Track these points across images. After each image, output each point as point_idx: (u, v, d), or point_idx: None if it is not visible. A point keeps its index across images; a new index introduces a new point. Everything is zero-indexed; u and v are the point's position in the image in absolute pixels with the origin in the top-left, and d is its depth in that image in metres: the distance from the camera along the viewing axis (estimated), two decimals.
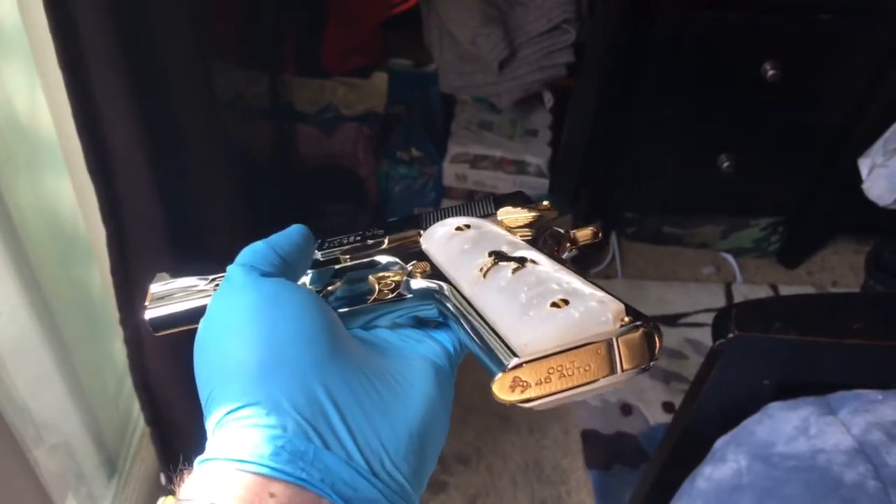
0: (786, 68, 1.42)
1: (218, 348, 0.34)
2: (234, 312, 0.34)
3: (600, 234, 0.45)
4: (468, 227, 0.42)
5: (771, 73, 1.42)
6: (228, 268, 0.38)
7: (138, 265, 0.87)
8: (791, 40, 1.44)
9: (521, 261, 0.37)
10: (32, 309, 0.95)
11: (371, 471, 0.32)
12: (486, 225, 0.42)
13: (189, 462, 0.33)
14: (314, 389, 0.32)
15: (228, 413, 0.32)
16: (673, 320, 1.71)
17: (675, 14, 1.42)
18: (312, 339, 0.33)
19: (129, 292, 0.89)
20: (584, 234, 0.44)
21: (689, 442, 0.96)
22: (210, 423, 0.33)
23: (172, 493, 0.33)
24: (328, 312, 0.36)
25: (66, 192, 1.00)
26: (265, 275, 0.37)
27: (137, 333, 0.94)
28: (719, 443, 0.89)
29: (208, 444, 0.33)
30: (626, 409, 1.56)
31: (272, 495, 0.30)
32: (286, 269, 0.38)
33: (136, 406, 1.29)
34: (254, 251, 0.38)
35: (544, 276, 0.35)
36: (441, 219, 0.44)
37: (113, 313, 1.04)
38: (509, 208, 0.43)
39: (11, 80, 0.89)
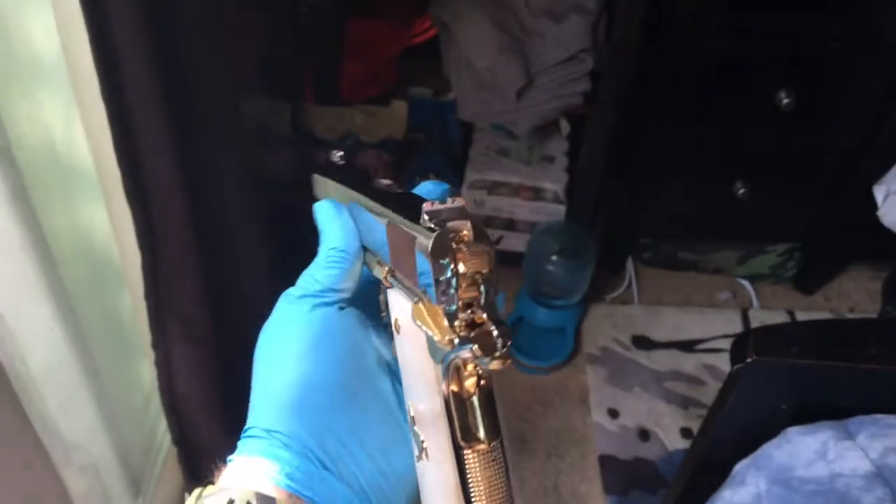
0: (800, 95, 1.44)
1: (269, 365, 0.40)
2: (292, 340, 0.40)
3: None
4: (398, 331, 0.39)
5: (785, 101, 1.44)
6: (305, 283, 0.41)
7: (170, 289, 0.90)
8: (804, 67, 1.46)
9: (421, 448, 0.36)
10: (66, 332, 0.97)
11: (369, 500, 0.38)
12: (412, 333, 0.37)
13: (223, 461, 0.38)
14: (334, 429, 0.38)
15: (264, 431, 0.38)
16: (690, 346, 1.72)
17: (688, 43, 1.45)
18: (338, 388, 0.39)
19: (162, 315, 0.92)
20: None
21: (707, 467, 0.97)
22: (249, 418, 0.39)
23: (211, 483, 0.37)
24: (362, 350, 0.40)
25: (100, 219, 1.03)
26: (344, 289, 0.41)
27: (168, 356, 0.96)
28: (738, 467, 0.90)
29: (242, 442, 0.38)
30: (644, 435, 1.57)
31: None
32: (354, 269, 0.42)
33: (161, 427, 1.31)
34: (330, 271, 0.41)
35: (427, 497, 0.36)
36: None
37: (142, 336, 1.07)
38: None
39: (50, 110, 0.92)
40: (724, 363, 1.66)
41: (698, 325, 1.76)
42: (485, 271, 0.33)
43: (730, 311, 1.80)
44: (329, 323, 0.40)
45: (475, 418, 0.33)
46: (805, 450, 0.82)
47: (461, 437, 0.33)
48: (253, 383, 0.40)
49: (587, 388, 1.65)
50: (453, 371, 0.34)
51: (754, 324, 1.77)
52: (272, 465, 0.36)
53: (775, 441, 0.86)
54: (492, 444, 0.33)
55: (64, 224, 0.98)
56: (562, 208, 1.74)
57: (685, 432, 1.57)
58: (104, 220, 1.02)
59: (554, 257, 1.61)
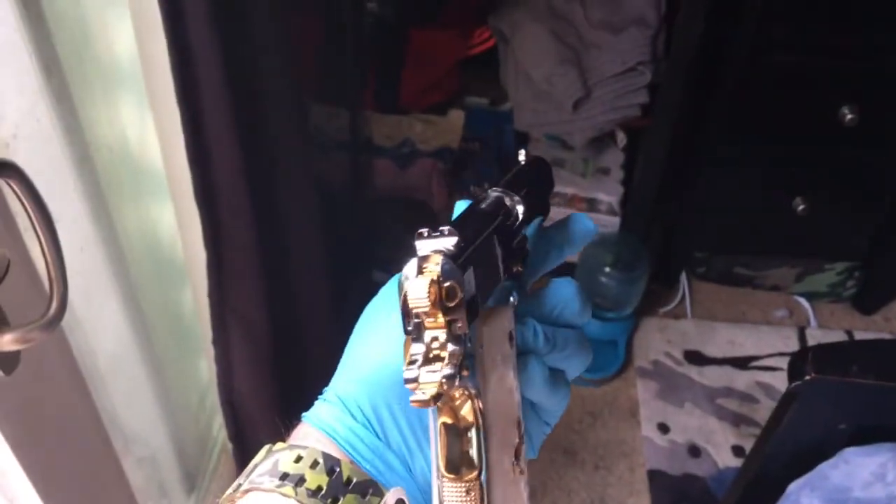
0: (864, 112, 1.41)
1: (359, 337, 0.42)
2: (384, 319, 0.41)
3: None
4: None
5: (849, 116, 1.41)
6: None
7: (233, 288, 0.93)
8: (871, 83, 1.43)
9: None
10: (132, 326, 1.01)
11: (413, 474, 0.39)
12: None
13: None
14: (395, 414, 0.39)
15: (338, 397, 0.40)
16: (744, 363, 1.69)
17: (750, 57, 1.43)
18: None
19: (224, 313, 0.95)
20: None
21: (759, 485, 0.96)
22: (331, 383, 0.41)
23: (282, 440, 0.39)
24: None
25: (167, 219, 1.06)
26: None
27: (227, 353, 0.99)
28: (792, 486, 0.89)
29: (317, 404, 0.40)
30: (695, 451, 1.55)
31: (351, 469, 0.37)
32: None
33: (216, 424, 1.35)
34: None
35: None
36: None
37: (203, 332, 1.10)
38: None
39: (126, 112, 0.96)
40: (778, 381, 1.63)
41: (753, 342, 1.73)
42: (451, 305, 0.32)
43: (786, 328, 1.77)
44: None
45: (469, 449, 0.33)
46: (863, 471, 0.81)
47: (444, 467, 0.33)
48: (345, 351, 0.42)
49: (637, 401, 1.63)
50: (444, 401, 0.33)
51: (811, 343, 1.73)
52: (340, 430, 0.38)
53: (831, 461, 0.85)
54: (471, 477, 0.33)
55: (134, 222, 1.02)
56: (616, 220, 1.74)
57: (737, 450, 1.54)
58: (170, 220, 1.06)
59: (607, 269, 1.60)
